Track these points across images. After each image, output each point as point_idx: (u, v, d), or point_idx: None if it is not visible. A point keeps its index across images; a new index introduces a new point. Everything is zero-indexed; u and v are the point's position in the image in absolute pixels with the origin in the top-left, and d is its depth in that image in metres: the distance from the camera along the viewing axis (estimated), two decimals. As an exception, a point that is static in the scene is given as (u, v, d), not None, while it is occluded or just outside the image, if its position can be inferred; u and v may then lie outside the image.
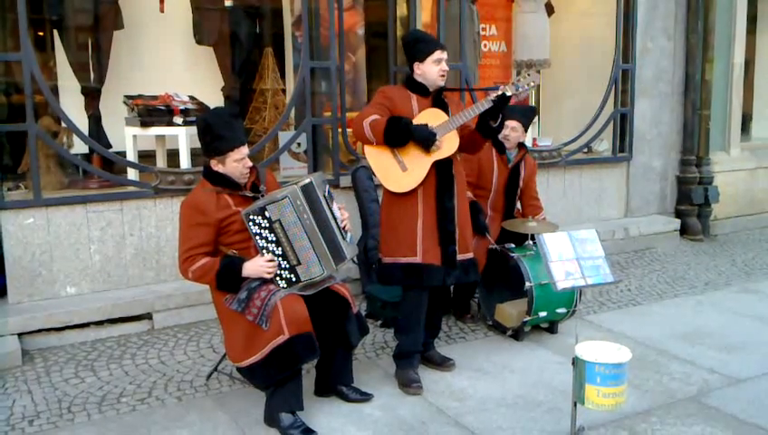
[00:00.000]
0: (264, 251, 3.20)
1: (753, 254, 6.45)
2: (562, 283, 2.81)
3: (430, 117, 3.56)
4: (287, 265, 3.22)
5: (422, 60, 3.59)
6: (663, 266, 6.01)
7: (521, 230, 4.33)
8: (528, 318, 4.14)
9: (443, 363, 3.85)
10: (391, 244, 3.65)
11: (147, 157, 5.39)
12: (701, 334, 4.35)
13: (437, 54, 3.58)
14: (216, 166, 3.27)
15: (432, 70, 3.58)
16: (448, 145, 3.56)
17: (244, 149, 3.27)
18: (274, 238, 3.19)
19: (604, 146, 6.82)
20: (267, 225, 3.17)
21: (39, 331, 4.15)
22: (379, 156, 3.58)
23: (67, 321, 4.19)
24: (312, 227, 3.20)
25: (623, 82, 6.62)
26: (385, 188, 3.63)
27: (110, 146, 5.36)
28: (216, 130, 3.22)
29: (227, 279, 3.19)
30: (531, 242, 4.34)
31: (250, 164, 3.31)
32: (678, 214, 7.07)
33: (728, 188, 7.23)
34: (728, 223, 7.33)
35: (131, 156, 5.03)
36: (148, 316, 4.47)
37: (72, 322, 4.22)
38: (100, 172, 4.69)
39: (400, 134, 3.47)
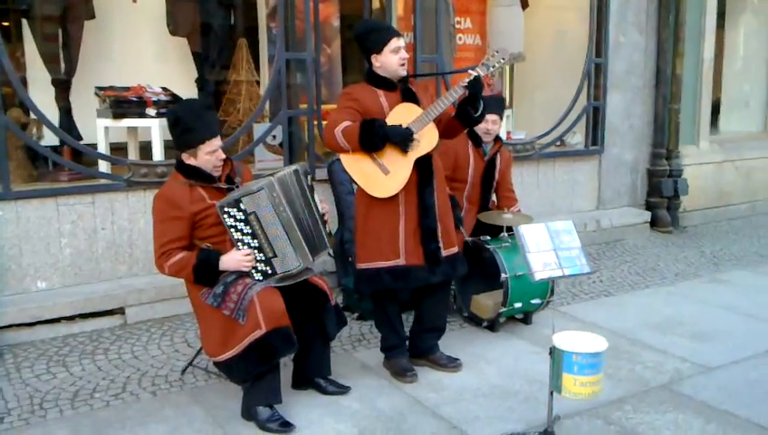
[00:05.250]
0: (240, 244, 3.17)
1: (721, 245, 6.58)
2: (540, 273, 2.83)
3: (403, 113, 3.45)
4: (263, 258, 3.19)
5: (379, 51, 3.45)
6: (634, 258, 6.10)
7: (497, 222, 4.34)
8: (504, 309, 4.17)
9: (450, 365, 3.75)
10: (371, 248, 3.53)
11: (118, 149, 5.32)
12: (672, 324, 4.43)
13: (394, 43, 3.43)
14: (188, 159, 3.22)
15: (391, 60, 3.45)
16: (427, 140, 3.46)
17: (216, 141, 3.22)
18: (250, 231, 3.15)
19: (577, 139, 6.89)
20: (242, 217, 3.13)
21: (9, 326, 4.06)
22: (358, 163, 3.46)
23: (38, 316, 4.12)
24: (289, 219, 3.18)
25: (596, 75, 6.68)
26: (364, 191, 3.50)
27: (81, 138, 5.27)
28: (187, 123, 3.18)
29: (205, 273, 3.16)
30: (506, 234, 4.37)
31: (223, 156, 3.26)
32: (649, 206, 7.17)
33: (697, 181, 7.36)
34: (697, 215, 7.47)
35: (103, 148, 4.95)
36: (121, 311, 4.41)
37: (42, 317, 4.14)
38: (72, 165, 4.60)
39: (376, 138, 3.34)
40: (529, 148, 6.35)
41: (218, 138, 3.25)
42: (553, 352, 2.76)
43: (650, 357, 3.90)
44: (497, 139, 4.64)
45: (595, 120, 6.77)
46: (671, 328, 4.36)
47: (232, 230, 3.16)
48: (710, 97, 7.62)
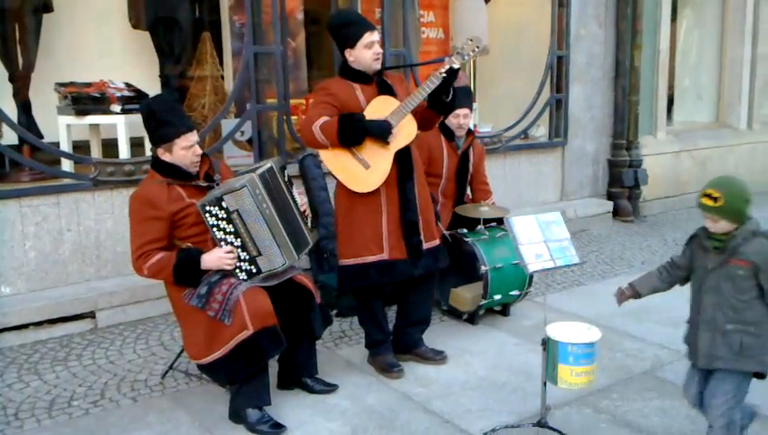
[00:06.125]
0: (223, 243, 3.09)
1: (681, 233, 6.75)
2: (533, 265, 2.84)
3: (381, 106, 3.43)
4: (247, 257, 3.11)
5: (352, 46, 3.41)
6: (600, 247, 6.22)
7: (473, 215, 4.36)
8: (484, 301, 4.19)
9: (435, 358, 3.75)
10: (355, 244, 3.50)
11: (78, 148, 5.11)
12: (646, 311, 4.50)
13: (367, 37, 3.39)
14: (163, 155, 3.13)
15: (365, 55, 3.41)
16: (406, 132, 3.45)
17: (193, 136, 3.13)
18: (233, 230, 3.08)
19: (541, 131, 6.96)
20: (225, 216, 3.05)
21: (-28, 335, 3.89)
22: (338, 158, 3.42)
23: (5, 323, 3.94)
24: (272, 216, 3.11)
25: (558, 68, 6.76)
26: (344, 187, 3.47)
27: (42, 136, 5.04)
28: (161, 116, 3.08)
29: (186, 273, 3.07)
30: (482, 227, 4.39)
31: (200, 152, 3.18)
32: (610, 196, 7.31)
33: (655, 171, 7.53)
34: (656, 204, 7.65)
35: (65, 146, 4.76)
36: (91, 315, 4.26)
37: (9, 323, 3.96)
38: (36, 164, 4.40)
39: (355, 133, 3.33)
40: (496, 141, 6.39)
41: (195, 133, 3.17)
42: (548, 343, 2.78)
43: (630, 345, 3.98)
44: (469, 132, 4.64)
45: (558, 113, 6.86)
46: (645, 315, 4.44)
47: (214, 229, 3.08)
48: (666, 88, 7.80)
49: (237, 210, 3.04)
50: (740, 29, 8.53)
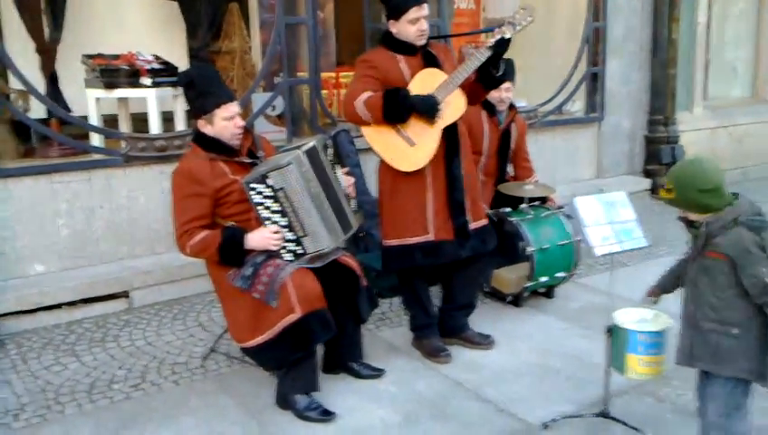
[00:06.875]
0: (268, 222, 2.96)
1: (720, 211, 6.55)
2: (600, 248, 2.70)
3: (427, 79, 3.26)
4: (293, 237, 2.99)
5: (397, 18, 3.25)
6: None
7: (518, 194, 4.19)
8: (529, 284, 4.05)
9: (483, 342, 3.62)
10: (399, 224, 3.36)
11: (105, 122, 4.99)
12: (696, 294, 4.36)
13: (413, 13, 3.21)
14: (204, 127, 3.00)
15: (408, 30, 3.24)
16: (454, 107, 3.28)
17: (234, 107, 3.00)
18: (279, 208, 2.95)
19: (577, 106, 6.75)
20: (271, 193, 2.92)
21: (7, 314, 3.79)
22: (381, 135, 3.27)
23: (39, 302, 3.86)
24: (319, 195, 2.99)
25: (595, 40, 6.53)
26: (389, 165, 3.31)
27: (69, 110, 4.92)
28: (201, 87, 2.96)
29: (231, 253, 2.95)
30: (526, 205, 4.23)
31: (241, 123, 3.05)
32: (647, 174, 7.10)
33: (692, 148, 7.29)
34: (692, 182, 7.42)
35: (95, 121, 4.63)
36: (125, 294, 4.16)
37: (43, 303, 3.88)
38: (67, 140, 4.28)
39: (402, 109, 3.16)
40: (532, 116, 6.19)
41: (235, 103, 3.04)
42: (615, 331, 2.64)
43: (683, 329, 3.82)
44: (512, 106, 4.47)
45: (594, 87, 6.64)
46: (695, 298, 4.29)
47: (259, 208, 2.95)
48: (704, 62, 7.54)
49: (283, 188, 2.91)
50: (778, 1, 8.23)
